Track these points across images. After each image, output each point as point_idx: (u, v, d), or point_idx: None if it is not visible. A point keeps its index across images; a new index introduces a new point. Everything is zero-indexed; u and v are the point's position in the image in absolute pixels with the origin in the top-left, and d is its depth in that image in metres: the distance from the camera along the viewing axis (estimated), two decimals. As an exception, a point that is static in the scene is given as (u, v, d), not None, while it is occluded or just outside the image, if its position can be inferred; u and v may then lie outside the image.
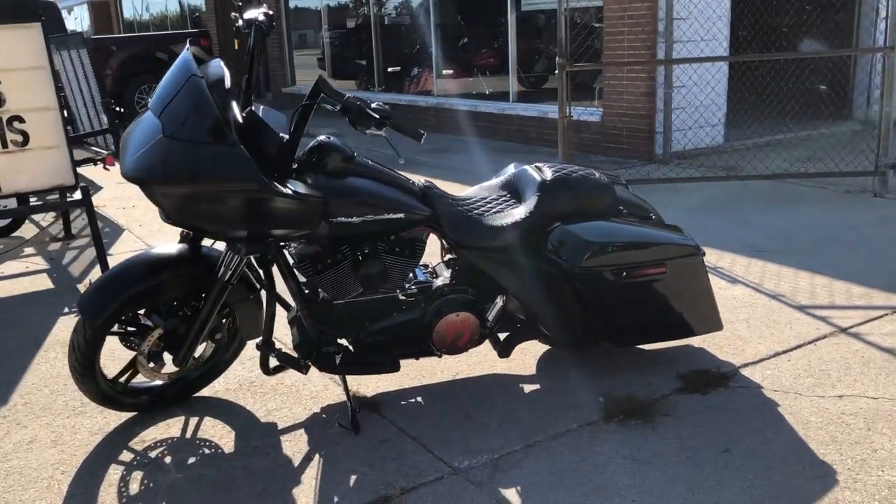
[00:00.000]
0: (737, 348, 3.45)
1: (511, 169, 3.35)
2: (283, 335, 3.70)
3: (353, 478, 2.61)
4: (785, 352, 3.41)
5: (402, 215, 2.86)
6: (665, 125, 7.76)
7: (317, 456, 2.76)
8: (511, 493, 2.50)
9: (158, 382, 3.09)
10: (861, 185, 6.38)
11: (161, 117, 2.53)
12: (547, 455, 2.70)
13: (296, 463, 2.72)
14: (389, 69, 12.30)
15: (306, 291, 2.95)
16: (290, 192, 2.59)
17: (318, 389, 3.24)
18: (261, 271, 2.91)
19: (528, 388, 3.19)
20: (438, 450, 2.76)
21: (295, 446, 2.83)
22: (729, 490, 2.46)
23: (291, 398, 3.18)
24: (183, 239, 2.95)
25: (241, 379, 3.36)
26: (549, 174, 3.13)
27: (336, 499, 2.50)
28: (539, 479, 2.57)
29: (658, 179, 6.43)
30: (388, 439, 2.85)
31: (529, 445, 2.77)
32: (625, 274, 2.99)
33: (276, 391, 3.25)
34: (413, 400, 3.14)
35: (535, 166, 3.23)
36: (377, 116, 2.57)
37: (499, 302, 3.07)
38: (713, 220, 5.56)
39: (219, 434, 2.94)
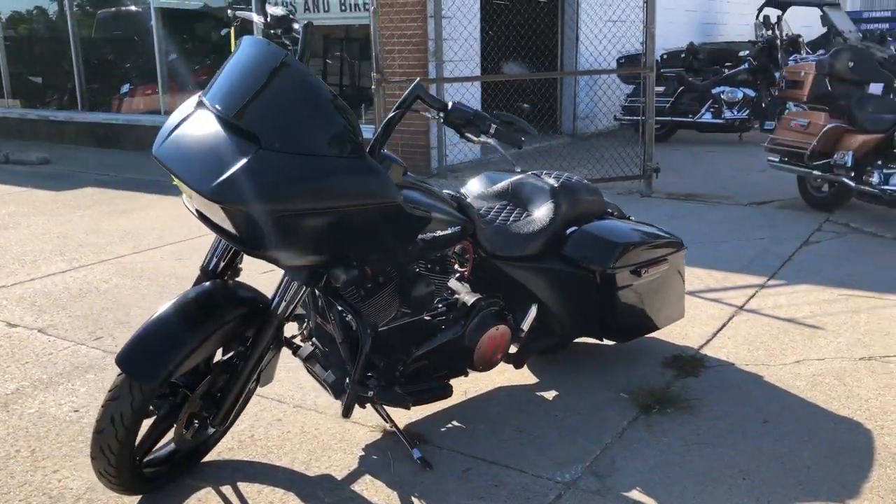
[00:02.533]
0: (679, 334, 3.79)
1: (500, 179, 3.32)
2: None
3: (476, 513, 2.42)
4: (717, 332, 3.83)
5: (458, 229, 2.70)
6: (439, 140, 8.08)
7: (416, 501, 2.49)
8: (637, 495, 2.51)
9: (168, 449, 2.53)
10: (628, 187, 7.27)
11: (251, 123, 2.10)
12: (629, 453, 2.75)
13: (397, 512, 2.43)
14: (94, 85, 11.01)
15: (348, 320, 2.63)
16: (431, 210, 2.35)
17: (340, 431, 2.90)
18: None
19: (546, 395, 3.19)
20: (529, 468, 2.66)
21: (379, 496, 2.51)
22: (803, 451, 2.74)
23: (318, 446, 2.80)
24: (210, 276, 2.46)
25: (235, 435, 2.86)
26: (554, 181, 3.18)
27: (481, 538, 2.30)
28: (646, 475, 2.61)
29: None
30: (469, 468, 2.67)
31: (606, 447, 2.79)
32: (643, 271, 3.15)
33: (290, 442, 2.83)
34: (450, 425, 2.96)
35: (533, 174, 3.25)
36: (489, 117, 2.39)
37: (532, 310, 3.03)
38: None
39: (280, 500, 2.49)
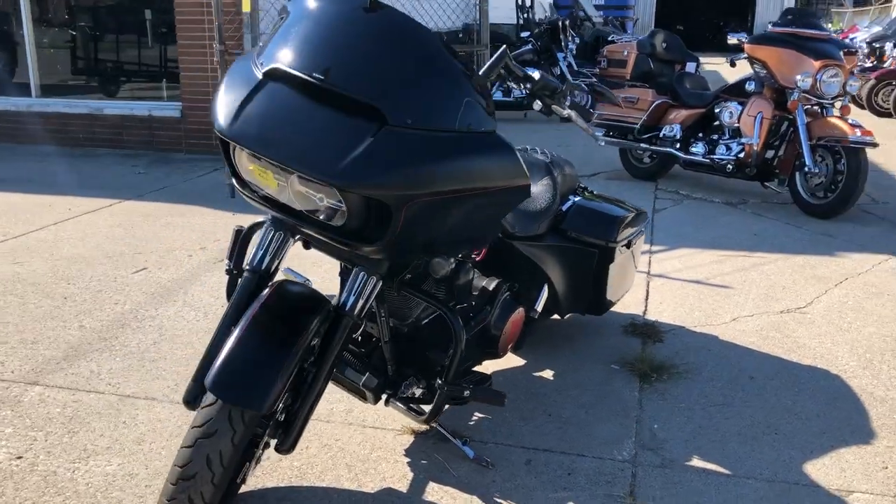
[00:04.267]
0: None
1: None
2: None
3: (571, 505, 2.30)
4: (646, 298, 4.01)
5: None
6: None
7: (505, 502, 2.31)
8: (700, 462, 2.54)
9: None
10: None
11: (368, 93, 1.77)
12: (662, 424, 2.78)
13: (491, 517, 2.24)
14: None
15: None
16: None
17: (365, 440, 2.61)
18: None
19: (544, 375, 3.12)
20: (587, 451, 2.59)
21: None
22: (804, 402, 2.95)
23: (354, 460, 2.50)
24: (264, 276, 2.08)
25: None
26: (543, 156, 3.09)
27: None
28: (691, 443, 2.66)
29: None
30: (529, 459, 2.53)
31: (638, 421, 2.80)
32: (633, 243, 3.18)
33: (319, 459, 2.50)
34: (476, 418, 2.79)
35: (521, 149, 3.13)
36: (571, 80, 2.21)
37: (545, 291, 2.93)
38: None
39: (360, 525, 2.19)
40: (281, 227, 2.09)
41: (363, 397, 2.41)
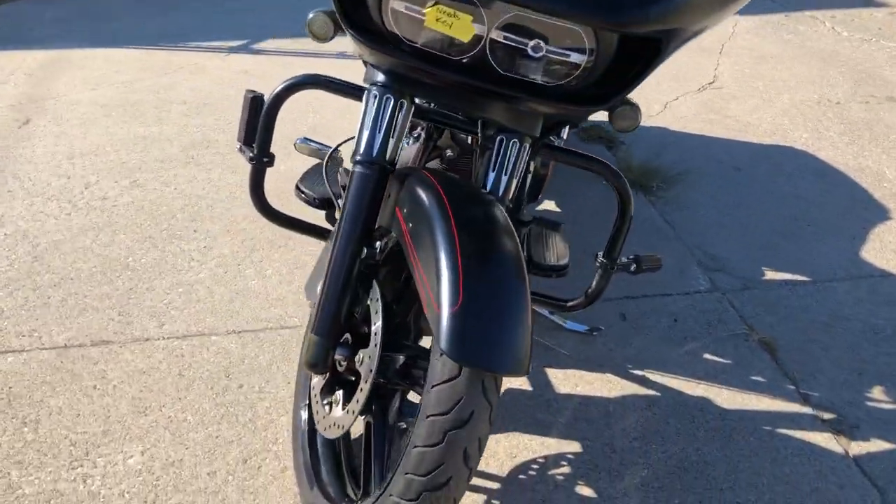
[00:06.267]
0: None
1: None
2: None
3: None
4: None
5: None
6: None
7: (642, 371, 1.97)
8: (774, 273, 2.38)
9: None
10: None
11: None
12: (702, 236, 2.55)
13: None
14: None
15: None
16: None
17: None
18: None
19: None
20: (669, 289, 2.29)
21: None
22: (798, 180, 2.87)
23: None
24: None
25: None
26: None
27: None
28: (747, 249, 2.48)
29: None
30: (623, 314, 2.18)
31: (678, 239, 2.54)
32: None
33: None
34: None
35: None
36: None
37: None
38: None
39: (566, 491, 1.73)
40: (400, 93, 1.38)
41: None
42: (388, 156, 1.37)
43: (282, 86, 1.54)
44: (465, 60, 1.23)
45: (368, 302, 1.40)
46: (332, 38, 1.40)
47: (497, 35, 1.19)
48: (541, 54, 1.21)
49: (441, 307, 1.17)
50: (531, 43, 1.20)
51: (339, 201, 1.75)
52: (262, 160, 1.60)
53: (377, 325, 1.34)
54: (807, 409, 1.87)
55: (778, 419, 1.84)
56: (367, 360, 1.34)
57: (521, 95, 1.26)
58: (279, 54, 3.93)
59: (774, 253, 2.47)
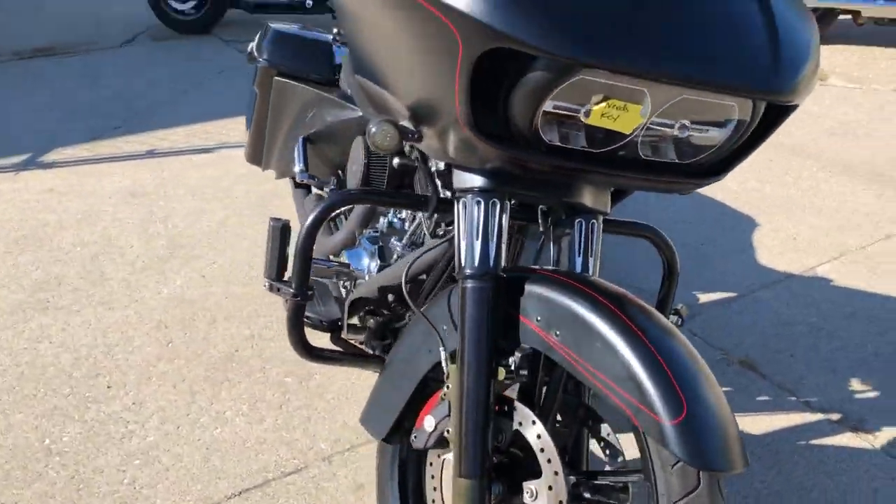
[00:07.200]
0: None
1: None
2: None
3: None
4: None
5: None
6: None
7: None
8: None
9: None
10: None
11: None
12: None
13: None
14: None
15: None
16: None
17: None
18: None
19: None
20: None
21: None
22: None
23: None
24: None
25: None
26: None
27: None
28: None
29: None
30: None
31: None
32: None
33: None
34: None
35: None
36: None
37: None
38: None
39: None
40: (500, 193, 1.25)
41: None
42: (501, 263, 1.25)
43: (318, 209, 1.33)
44: (621, 153, 1.14)
45: (517, 427, 1.24)
46: (400, 148, 1.25)
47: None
48: (687, 134, 1.16)
49: (661, 415, 1.09)
50: (678, 123, 1.14)
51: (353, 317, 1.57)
52: (304, 294, 1.36)
53: (549, 450, 1.19)
54: (818, 416, 1.97)
55: (800, 432, 1.92)
56: (546, 491, 1.18)
57: (661, 178, 1.21)
58: (78, 163, 3.44)
59: (696, 276, 2.61)
